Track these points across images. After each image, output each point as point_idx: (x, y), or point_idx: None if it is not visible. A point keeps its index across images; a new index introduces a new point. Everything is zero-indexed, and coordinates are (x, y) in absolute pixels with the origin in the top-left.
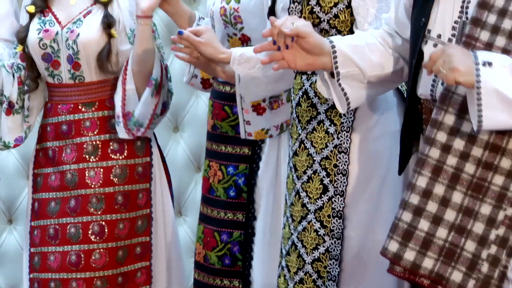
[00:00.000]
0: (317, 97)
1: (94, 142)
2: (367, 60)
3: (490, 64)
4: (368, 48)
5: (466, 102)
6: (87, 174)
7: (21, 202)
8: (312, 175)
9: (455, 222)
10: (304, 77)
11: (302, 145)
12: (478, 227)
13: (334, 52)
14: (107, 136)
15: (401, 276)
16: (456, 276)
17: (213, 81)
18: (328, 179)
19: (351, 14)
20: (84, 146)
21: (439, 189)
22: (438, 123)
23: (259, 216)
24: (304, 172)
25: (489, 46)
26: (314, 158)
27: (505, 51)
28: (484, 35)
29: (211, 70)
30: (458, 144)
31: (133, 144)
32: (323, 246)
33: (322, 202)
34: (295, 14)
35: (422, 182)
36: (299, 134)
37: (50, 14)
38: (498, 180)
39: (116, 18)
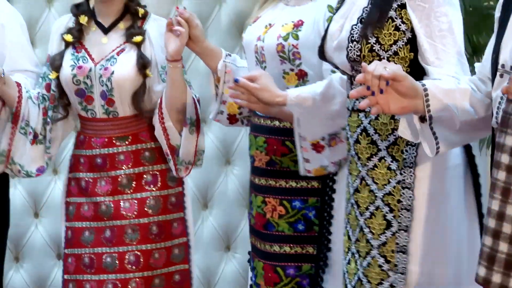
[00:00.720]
0: (377, 134)
1: (128, 175)
2: (458, 105)
3: None
4: (459, 93)
5: None
6: (122, 206)
7: (27, 240)
8: (375, 211)
9: None
10: (361, 114)
11: (363, 181)
12: None
13: (427, 95)
14: (140, 168)
15: None
16: None
17: (257, 117)
18: (392, 214)
19: (410, 51)
20: (119, 179)
21: (510, 210)
22: (500, 145)
23: (334, 248)
24: (367, 208)
25: None
26: (376, 194)
27: None
28: None
29: (270, 112)
30: None
31: (165, 176)
32: (388, 281)
33: (385, 237)
34: (354, 53)
35: (495, 205)
36: (360, 171)
37: (83, 50)
38: None
39: (148, 55)
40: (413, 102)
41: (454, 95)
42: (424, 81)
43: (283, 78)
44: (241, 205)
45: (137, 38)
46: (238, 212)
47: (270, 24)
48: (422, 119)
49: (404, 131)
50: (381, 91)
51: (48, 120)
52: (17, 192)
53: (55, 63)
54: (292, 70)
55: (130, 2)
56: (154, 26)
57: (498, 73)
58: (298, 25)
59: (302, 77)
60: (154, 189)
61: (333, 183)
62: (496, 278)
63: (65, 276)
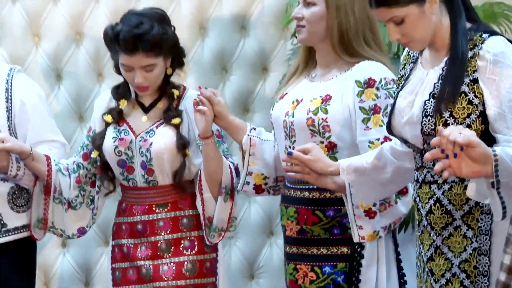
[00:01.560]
0: (451, 204)
1: (167, 240)
2: None
3: None
4: None
5: None
6: (161, 269)
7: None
8: (451, 278)
9: None
10: (433, 186)
11: (439, 250)
12: None
13: (496, 161)
14: (179, 234)
15: None
16: None
17: (287, 189)
18: (469, 280)
19: (482, 123)
20: (158, 244)
21: None
22: None
23: None
24: (442, 276)
25: None
26: (453, 262)
27: None
28: None
29: (322, 183)
30: None
31: (202, 241)
32: None
33: None
34: (428, 127)
35: (507, 260)
36: (434, 240)
37: (125, 124)
38: None
39: (186, 130)
40: (484, 168)
41: None
42: (495, 148)
43: None
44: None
45: (175, 121)
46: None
47: (297, 100)
48: (492, 184)
49: (471, 193)
50: (455, 155)
51: (96, 192)
52: (66, 260)
53: (96, 143)
54: (322, 142)
55: (166, 85)
56: (191, 101)
57: None
58: (326, 99)
59: (331, 149)
60: (191, 253)
61: (361, 249)
62: None
63: None
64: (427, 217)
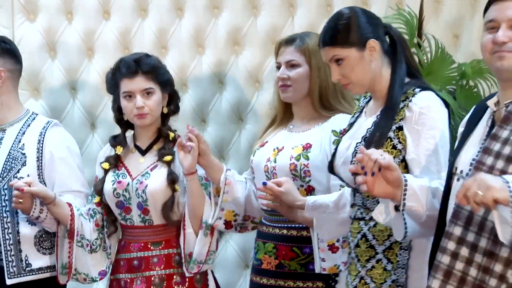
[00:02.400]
0: (375, 240)
1: (160, 276)
2: (428, 200)
3: (507, 182)
4: (431, 191)
5: (472, 215)
6: None
7: None
8: None
9: None
10: (362, 222)
11: (362, 280)
12: None
13: (406, 185)
14: (171, 270)
15: None
16: None
17: (265, 226)
18: None
19: (405, 167)
20: (152, 278)
21: None
22: (449, 234)
23: None
24: None
25: (491, 169)
26: None
27: (502, 172)
28: (489, 160)
29: (291, 215)
30: (464, 251)
31: (193, 277)
32: None
33: None
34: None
35: (436, 284)
36: (359, 271)
37: (123, 168)
38: (492, 282)
39: (177, 172)
40: (395, 191)
41: (426, 191)
42: (406, 174)
43: None
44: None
45: (167, 158)
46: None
47: (278, 148)
48: (396, 208)
49: (378, 215)
50: (373, 174)
51: (106, 231)
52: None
53: (97, 188)
54: (302, 186)
55: (163, 127)
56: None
57: (455, 177)
58: (307, 147)
59: (310, 192)
60: None
61: (335, 283)
62: None
63: None
64: (355, 250)
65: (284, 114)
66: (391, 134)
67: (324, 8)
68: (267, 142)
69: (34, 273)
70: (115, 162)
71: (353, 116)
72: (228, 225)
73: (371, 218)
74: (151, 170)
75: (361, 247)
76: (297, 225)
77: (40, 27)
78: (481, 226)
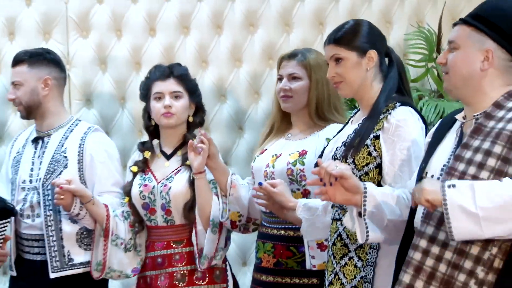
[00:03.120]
0: (348, 239)
1: (182, 272)
2: (389, 206)
3: (454, 186)
4: (392, 197)
5: (443, 216)
6: None
7: None
8: None
9: None
10: (338, 223)
11: (336, 276)
12: None
13: (365, 193)
14: (192, 266)
15: None
16: None
17: (264, 228)
18: None
19: (379, 173)
20: (175, 274)
21: (419, 284)
22: (421, 233)
23: None
24: None
25: (463, 174)
26: (346, 287)
27: (474, 177)
28: (461, 166)
29: (282, 214)
30: (435, 249)
31: (213, 273)
32: None
33: None
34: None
35: (406, 278)
36: (334, 268)
37: (149, 172)
38: (461, 277)
39: None
40: (355, 197)
41: (387, 197)
42: (366, 183)
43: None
44: None
45: (189, 162)
46: None
47: (276, 155)
48: (360, 214)
49: (348, 222)
50: (330, 184)
51: (136, 230)
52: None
53: (126, 189)
54: (298, 189)
55: (188, 134)
56: None
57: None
58: (302, 153)
59: (306, 195)
60: (203, 283)
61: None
62: None
63: None
64: (332, 248)
65: (281, 123)
66: (368, 141)
67: (317, 26)
68: (266, 149)
69: (76, 267)
70: (143, 166)
71: (342, 126)
72: (233, 225)
73: None
74: (175, 174)
75: (337, 245)
76: (294, 226)
77: (92, 43)
78: None
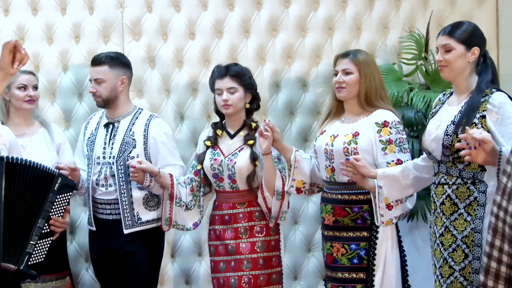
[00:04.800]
0: (457, 199)
1: (245, 227)
2: None
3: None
4: None
5: None
6: (241, 246)
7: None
8: (456, 248)
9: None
10: (446, 186)
11: (447, 229)
12: None
13: (500, 155)
14: (253, 223)
15: None
16: None
17: (325, 193)
18: (468, 249)
19: None
20: (239, 229)
21: (497, 242)
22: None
23: (376, 274)
24: (450, 246)
25: None
26: (457, 237)
27: None
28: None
29: (363, 183)
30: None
31: (269, 228)
32: None
33: (464, 264)
34: (447, 142)
35: (489, 237)
36: (444, 222)
37: (218, 149)
38: None
39: (257, 152)
40: (492, 159)
41: None
42: (501, 148)
43: (325, 169)
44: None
45: (251, 142)
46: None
47: (333, 135)
48: (497, 172)
49: (488, 177)
50: (475, 147)
51: (201, 193)
52: (185, 237)
53: (200, 159)
54: (329, 165)
55: (247, 119)
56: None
57: None
58: (355, 135)
59: (332, 171)
60: (261, 236)
61: (376, 233)
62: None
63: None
64: (441, 207)
65: (337, 109)
66: (475, 120)
67: (327, 31)
68: (325, 131)
69: (143, 224)
70: (215, 141)
71: (434, 108)
72: (298, 190)
73: (453, 182)
74: (239, 151)
75: (446, 205)
76: (348, 192)
77: (143, 45)
78: (510, 194)
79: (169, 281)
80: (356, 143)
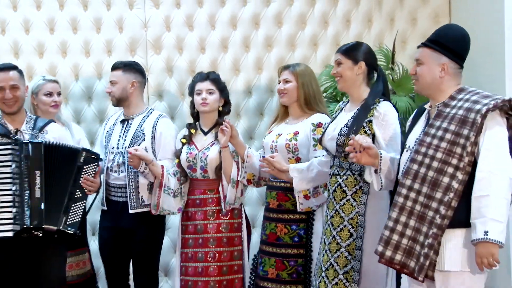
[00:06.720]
0: (346, 187)
1: (212, 210)
2: (395, 166)
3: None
4: (396, 161)
5: (417, 172)
6: (208, 226)
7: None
8: (343, 228)
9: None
10: (337, 177)
11: (337, 211)
12: (421, 238)
13: (380, 157)
14: (219, 207)
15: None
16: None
17: (271, 182)
18: (353, 229)
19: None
20: (207, 212)
21: (402, 219)
22: (402, 184)
23: (314, 249)
24: (338, 226)
25: (429, 144)
26: (344, 219)
27: (436, 146)
28: (428, 139)
29: (280, 176)
30: (412, 195)
31: (232, 212)
32: (349, 265)
33: (349, 241)
34: (340, 142)
35: (394, 214)
36: (335, 206)
37: (193, 145)
38: (430, 213)
39: None
40: (374, 161)
41: (393, 161)
42: (381, 151)
43: (288, 161)
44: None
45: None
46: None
47: (279, 134)
48: (375, 171)
49: (368, 176)
50: (360, 151)
51: (181, 182)
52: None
53: (177, 154)
54: (293, 157)
55: (219, 119)
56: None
57: (405, 150)
58: (296, 133)
59: (298, 161)
60: (225, 218)
61: (313, 216)
62: (388, 253)
63: (181, 264)
64: (333, 194)
65: (283, 113)
66: (364, 124)
67: (312, 47)
68: (272, 130)
69: (147, 206)
70: (189, 139)
71: (335, 113)
72: (248, 182)
73: (344, 174)
74: (211, 146)
75: (337, 192)
76: (288, 181)
77: (162, 58)
78: (423, 179)
79: (174, 273)
80: (296, 140)
